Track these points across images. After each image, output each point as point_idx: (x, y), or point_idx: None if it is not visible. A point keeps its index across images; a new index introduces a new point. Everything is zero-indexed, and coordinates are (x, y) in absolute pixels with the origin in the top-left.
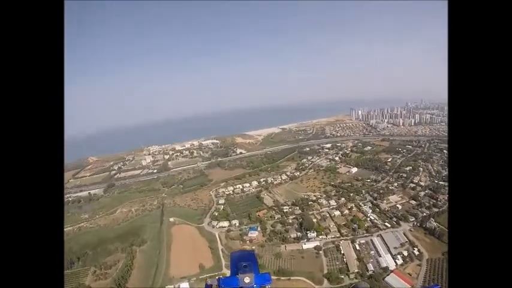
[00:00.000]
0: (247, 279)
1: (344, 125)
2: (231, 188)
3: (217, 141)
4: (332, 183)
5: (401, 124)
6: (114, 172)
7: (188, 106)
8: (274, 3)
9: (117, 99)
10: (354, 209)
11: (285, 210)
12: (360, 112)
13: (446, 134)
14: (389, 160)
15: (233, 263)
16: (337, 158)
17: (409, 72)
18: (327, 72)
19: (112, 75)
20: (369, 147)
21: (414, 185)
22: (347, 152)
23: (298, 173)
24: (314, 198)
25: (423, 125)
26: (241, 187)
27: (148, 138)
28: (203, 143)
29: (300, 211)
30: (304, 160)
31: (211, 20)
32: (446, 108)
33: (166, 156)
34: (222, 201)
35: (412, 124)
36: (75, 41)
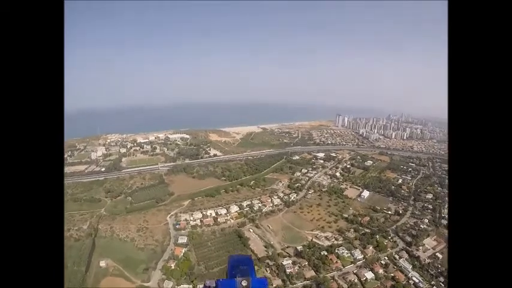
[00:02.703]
0: (244, 283)
1: (331, 131)
2: (199, 214)
3: (188, 136)
4: (345, 215)
5: (393, 137)
6: None
7: (162, 94)
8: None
9: (87, 79)
10: (390, 265)
11: (285, 266)
12: (346, 119)
13: (443, 153)
14: (399, 181)
15: (231, 266)
16: (338, 174)
17: (389, 83)
18: (308, 74)
19: (85, 55)
20: (370, 162)
21: (445, 220)
22: (347, 166)
23: (295, 196)
24: (328, 243)
25: (415, 139)
26: (214, 214)
27: (111, 124)
28: (170, 136)
29: (313, 271)
30: (298, 174)
31: (196, 9)
32: (429, 124)
33: (123, 150)
34: (183, 239)
35: (405, 138)
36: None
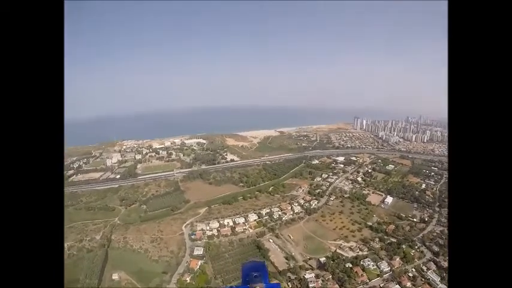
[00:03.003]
0: None
1: (350, 134)
2: (216, 223)
3: (204, 141)
4: (369, 223)
5: (413, 139)
6: (71, 172)
7: (179, 99)
8: (282, 3)
9: (104, 88)
10: (418, 277)
11: (308, 280)
12: (364, 122)
13: None
14: (422, 186)
15: (244, 273)
16: (359, 179)
17: (404, 85)
18: (325, 77)
19: (99, 65)
20: (392, 166)
21: None
22: (369, 170)
23: (316, 202)
24: (352, 254)
25: (435, 142)
26: (231, 223)
27: (127, 130)
28: (186, 141)
29: (337, 285)
30: (319, 179)
31: (210, 15)
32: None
33: (138, 156)
34: (199, 250)
35: (425, 141)
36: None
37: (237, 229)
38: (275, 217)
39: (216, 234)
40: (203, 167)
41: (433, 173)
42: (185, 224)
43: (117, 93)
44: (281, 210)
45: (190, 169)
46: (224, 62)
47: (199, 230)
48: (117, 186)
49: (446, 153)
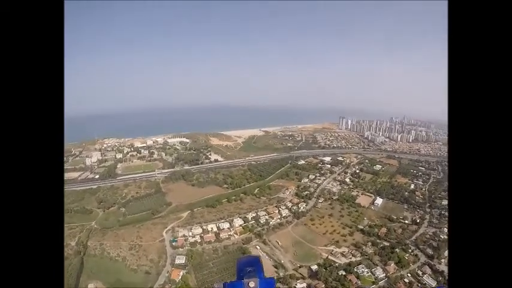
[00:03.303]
0: (252, 284)
1: (336, 134)
2: (199, 228)
3: (188, 140)
4: (360, 226)
5: (399, 139)
6: None
7: (163, 97)
8: (266, 3)
9: (84, 81)
10: (414, 283)
11: None
12: (349, 121)
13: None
14: (411, 187)
15: (239, 269)
16: (347, 180)
17: (389, 85)
18: (309, 76)
19: (82, 56)
20: (379, 166)
21: None
22: (356, 171)
23: (304, 205)
24: (345, 260)
25: (420, 142)
26: (215, 228)
27: (109, 128)
28: (169, 140)
29: None
30: (306, 180)
31: (197, 12)
32: (432, 126)
33: (119, 155)
34: (181, 259)
35: (410, 140)
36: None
37: (221, 235)
38: (262, 222)
39: (199, 241)
40: (186, 167)
41: (420, 173)
42: (166, 229)
43: (100, 91)
44: (268, 214)
45: (172, 169)
46: (209, 60)
47: (181, 237)
48: (95, 187)
49: (431, 153)
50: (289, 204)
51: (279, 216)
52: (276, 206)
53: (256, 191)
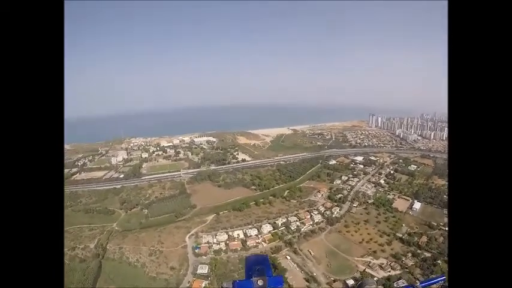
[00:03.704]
0: (260, 282)
1: (366, 132)
2: (224, 235)
3: (214, 140)
4: (398, 234)
5: (432, 137)
6: (74, 170)
7: (190, 96)
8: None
9: (115, 87)
10: None
11: None
12: (379, 119)
13: None
14: None
15: (247, 267)
16: (382, 181)
17: (417, 82)
18: (334, 74)
19: (107, 64)
20: (414, 166)
21: None
22: (390, 171)
23: (338, 210)
24: (384, 273)
25: None
26: (241, 235)
27: (136, 127)
28: (196, 139)
29: None
30: (338, 182)
31: (220, 12)
32: None
33: (145, 155)
34: (203, 269)
35: (444, 138)
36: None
37: (248, 243)
38: (292, 228)
39: (224, 248)
40: (212, 167)
41: None
42: (189, 234)
43: (128, 91)
44: (299, 220)
45: (198, 169)
46: (236, 60)
47: (205, 243)
48: (119, 186)
49: None
50: (322, 209)
51: (311, 222)
52: (307, 211)
53: (286, 193)
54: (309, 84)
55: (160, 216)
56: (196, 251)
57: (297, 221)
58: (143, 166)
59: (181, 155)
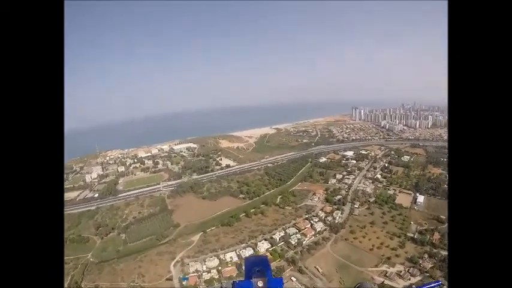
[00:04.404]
0: (260, 283)
1: (351, 125)
2: (215, 259)
3: (195, 146)
4: (409, 234)
5: (417, 126)
6: None
7: (167, 103)
8: (264, 2)
9: (85, 94)
10: None
11: None
12: (362, 112)
13: None
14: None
15: (247, 268)
16: (379, 176)
17: (395, 73)
18: (310, 71)
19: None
20: (407, 157)
21: None
22: (385, 164)
23: (340, 214)
24: (403, 282)
25: (439, 127)
26: (235, 257)
27: (112, 139)
28: (175, 147)
29: None
30: (333, 181)
31: (196, 16)
32: (446, 110)
33: (121, 168)
34: None
35: (429, 126)
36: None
37: (242, 262)
38: (293, 242)
39: (217, 277)
40: (194, 176)
41: None
42: (174, 261)
43: (100, 100)
44: (299, 231)
45: (179, 180)
46: (207, 62)
47: (193, 273)
48: (94, 207)
49: None
50: (322, 214)
51: (313, 233)
52: (306, 219)
53: (278, 199)
54: (286, 84)
55: (140, 240)
56: (184, 283)
57: (296, 233)
58: (119, 182)
59: (160, 166)
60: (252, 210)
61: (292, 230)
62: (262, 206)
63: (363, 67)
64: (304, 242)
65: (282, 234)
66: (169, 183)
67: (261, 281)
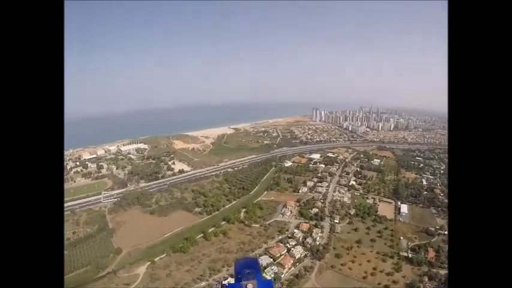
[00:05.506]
0: (250, 286)
1: (313, 126)
2: None
3: (146, 147)
4: (403, 253)
5: (380, 128)
6: None
7: (120, 100)
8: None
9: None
10: None
11: None
12: (322, 113)
13: (438, 142)
14: (424, 183)
15: (237, 270)
16: (353, 183)
17: (349, 76)
18: (268, 71)
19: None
20: (377, 161)
21: None
22: (357, 169)
23: (319, 232)
24: None
25: (401, 129)
26: None
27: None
28: (123, 148)
29: None
30: (305, 190)
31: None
32: (403, 113)
33: None
34: None
35: (391, 129)
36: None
37: None
38: (268, 277)
39: None
40: (142, 184)
41: (422, 165)
42: None
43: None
44: (274, 259)
45: (124, 189)
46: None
47: None
48: None
49: (418, 140)
50: (298, 234)
51: (292, 261)
52: (280, 241)
53: (242, 214)
54: (242, 83)
55: (72, 273)
56: None
57: (272, 263)
58: None
59: (104, 170)
60: (211, 230)
61: (265, 259)
62: (223, 223)
63: (319, 69)
64: (282, 276)
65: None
66: (113, 192)
67: (250, 284)
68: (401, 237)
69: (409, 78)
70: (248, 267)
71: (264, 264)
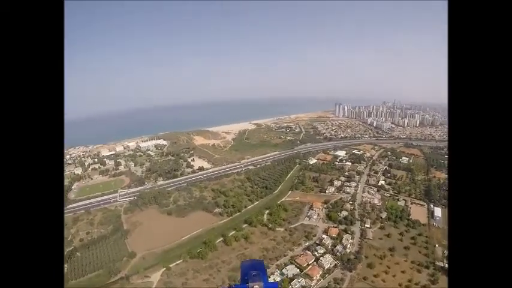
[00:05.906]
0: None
1: (336, 122)
2: None
3: (165, 143)
4: (439, 262)
5: (405, 125)
6: None
7: (141, 96)
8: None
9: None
10: None
11: None
12: (345, 108)
13: None
14: None
15: (243, 272)
16: (382, 182)
17: (372, 72)
18: (290, 68)
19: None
20: (406, 159)
21: None
22: (385, 167)
23: (350, 240)
24: None
25: (427, 126)
26: None
27: (81, 134)
28: (142, 144)
29: None
30: (332, 190)
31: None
32: (427, 108)
33: (78, 171)
34: None
35: (417, 125)
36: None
37: None
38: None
39: None
40: (160, 182)
41: None
42: None
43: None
44: (300, 269)
45: (141, 187)
46: (188, 55)
47: None
48: None
49: (445, 137)
50: (327, 240)
51: (321, 272)
52: (307, 248)
53: (265, 216)
54: (264, 79)
55: (84, 277)
56: None
57: (298, 273)
58: (73, 187)
59: (122, 167)
60: (231, 234)
61: (291, 269)
62: (244, 226)
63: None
64: (303, 283)
65: (277, 274)
66: (129, 191)
67: (256, 286)
68: (437, 245)
69: (434, 74)
70: (254, 269)
71: (290, 275)
